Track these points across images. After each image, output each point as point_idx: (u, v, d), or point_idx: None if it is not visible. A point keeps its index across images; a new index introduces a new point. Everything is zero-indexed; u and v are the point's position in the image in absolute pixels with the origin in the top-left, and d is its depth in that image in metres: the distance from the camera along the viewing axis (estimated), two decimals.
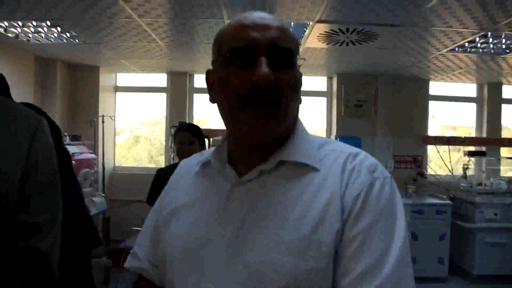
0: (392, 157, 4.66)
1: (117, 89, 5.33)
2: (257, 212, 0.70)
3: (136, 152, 5.85)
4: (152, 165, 5.37)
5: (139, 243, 0.90)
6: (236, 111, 0.72)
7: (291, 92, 0.72)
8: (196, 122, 5.30)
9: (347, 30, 2.92)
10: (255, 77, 0.67)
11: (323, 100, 5.13)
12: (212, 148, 0.87)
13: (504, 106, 5.08)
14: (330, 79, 5.04)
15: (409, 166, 4.79)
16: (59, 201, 0.90)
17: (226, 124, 0.76)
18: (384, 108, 4.69)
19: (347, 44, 3.32)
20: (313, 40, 3.24)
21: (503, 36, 3.02)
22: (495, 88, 5.00)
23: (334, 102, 4.87)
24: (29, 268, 0.80)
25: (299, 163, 0.73)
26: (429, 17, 2.64)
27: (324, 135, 5.06)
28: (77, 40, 3.51)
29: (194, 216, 0.77)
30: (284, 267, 0.65)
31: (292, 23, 2.86)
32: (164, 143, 5.31)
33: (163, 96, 5.22)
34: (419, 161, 4.80)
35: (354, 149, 0.77)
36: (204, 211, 0.76)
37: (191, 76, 5.18)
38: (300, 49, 3.57)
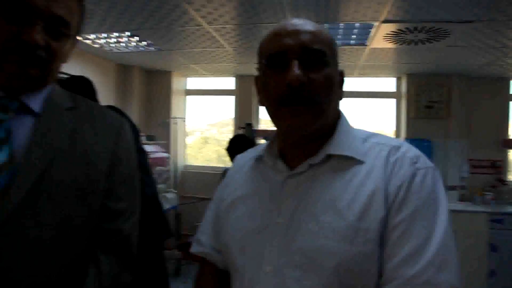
0: (467, 161, 4.39)
1: (187, 92, 5.64)
2: (308, 202, 0.77)
3: (205, 152, 6.14)
4: (221, 165, 5.60)
5: (201, 231, 1.00)
6: (276, 111, 0.80)
7: (325, 90, 0.77)
8: (262, 123, 5.44)
9: (415, 28, 2.83)
10: (288, 79, 0.74)
11: (391, 102, 4.98)
12: (265, 143, 0.95)
13: None
14: (399, 79, 4.88)
15: (487, 171, 4.48)
16: (138, 192, 1.04)
17: (272, 121, 0.84)
18: (457, 109, 4.43)
19: (416, 43, 3.21)
20: (379, 40, 3.19)
21: None
22: None
23: (404, 103, 4.71)
24: (114, 246, 0.94)
25: (345, 156, 0.79)
26: (508, 10, 2.48)
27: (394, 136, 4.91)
28: (152, 48, 3.80)
29: (251, 207, 0.85)
30: (333, 252, 0.71)
31: (357, 24, 2.84)
32: None
33: (231, 99, 5.43)
34: (499, 166, 4.46)
35: (397, 142, 0.81)
36: (259, 202, 0.84)
37: None
38: (366, 51, 3.53)
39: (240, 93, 5.29)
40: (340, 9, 2.59)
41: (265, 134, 4.92)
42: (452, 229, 0.72)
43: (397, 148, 0.79)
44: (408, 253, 0.68)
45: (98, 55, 4.22)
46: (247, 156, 0.99)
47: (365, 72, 4.61)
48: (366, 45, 3.38)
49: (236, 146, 3.11)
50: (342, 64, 4.18)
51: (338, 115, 0.86)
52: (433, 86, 4.47)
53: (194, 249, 0.99)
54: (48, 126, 0.88)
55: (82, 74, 2.23)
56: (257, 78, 0.89)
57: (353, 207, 0.73)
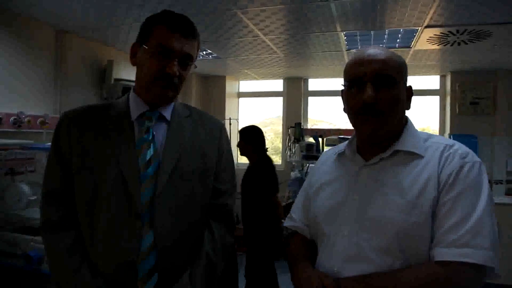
0: None
1: (240, 95, 6.03)
2: (378, 184, 1.05)
3: None
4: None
5: (293, 210, 1.30)
6: (355, 119, 1.11)
7: (391, 105, 1.04)
8: (309, 122, 5.71)
9: (457, 31, 3.00)
10: (364, 98, 1.03)
11: (435, 99, 5.08)
12: (346, 142, 1.25)
13: None
14: (443, 77, 4.98)
15: None
16: (235, 176, 1.38)
17: (353, 126, 1.14)
18: (503, 105, 4.47)
19: (459, 44, 3.36)
20: (423, 43, 3.37)
21: None
22: None
23: (448, 100, 4.81)
24: (222, 216, 1.28)
25: (409, 152, 1.05)
26: None
27: (436, 134, 5.00)
28: (211, 56, 4.19)
29: (334, 188, 1.15)
30: (396, 221, 0.97)
31: (402, 30, 3.05)
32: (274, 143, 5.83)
33: (279, 100, 5.74)
34: None
35: (451, 141, 1.06)
36: (340, 185, 1.14)
37: (305, 81, 5.60)
38: (410, 52, 3.71)
39: (288, 95, 5.59)
40: (386, 18, 2.82)
41: (312, 132, 5.18)
42: (495, 216, 0.94)
43: (451, 146, 1.03)
44: (452, 224, 0.92)
45: None
46: (330, 152, 1.29)
47: (409, 71, 4.74)
48: (410, 47, 3.56)
49: (251, 135, 3.24)
50: None
51: (406, 121, 1.13)
52: (478, 83, 4.54)
53: (288, 223, 1.30)
54: (176, 129, 1.24)
55: None
56: (342, 92, 1.18)
57: (412, 188, 0.97)
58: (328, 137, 4.73)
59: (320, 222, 1.13)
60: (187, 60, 1.19)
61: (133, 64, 1.23)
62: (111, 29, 3.17)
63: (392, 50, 3.34)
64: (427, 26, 2.93)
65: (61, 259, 1.09)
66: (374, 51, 1.08)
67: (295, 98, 5.55)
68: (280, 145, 5.84)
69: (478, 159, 1.01)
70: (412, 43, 3.42)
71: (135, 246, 1.08)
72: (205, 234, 1.23)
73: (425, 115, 5.34)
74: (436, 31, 3.04)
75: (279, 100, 5.78)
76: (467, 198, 0.94)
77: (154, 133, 1.20)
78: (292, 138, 5.02)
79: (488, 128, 4.51)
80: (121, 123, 1.19)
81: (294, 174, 4.76)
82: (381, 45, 3.49)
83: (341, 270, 1.02)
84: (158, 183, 1.13)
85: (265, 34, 3.27)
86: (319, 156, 4.68)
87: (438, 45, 3.42)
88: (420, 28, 2.98)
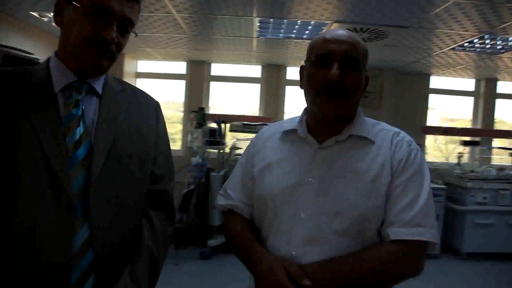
0: None
1: (137, 75, 5.63)
2: (336, 167, 1.05)
3: None
4: None
5: (229, 187, 1.23)
6: (315, 97, 1.07)
7: (353, 88, 1.04)
8: (211, 109, 5.63)
9: (361, 29, 3.22)
10: (329, 75, 1.01)
11: None
12: (289, 120, 1.21)
13: (498, 100, 5.42)
14: None
15: None
16: (172, 160, 1.24)
17: (308, 104, 1.11)
18: (388, 99, 5.02)
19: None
20: None
21: (498, 38, 3.33)
22: (491, 83, 5.33)
23: None
24: (161, 203, 1.14)
25: (362, 137, 1.07)
26: (434, 21, 2.96)
27: None
28: None
29: (286, 169, 1.10)
30: (356, 203, 0.99)
31: (313, 22, 3.16)
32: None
33: (182, 83, 5.53)
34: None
35: (395, 129, 1.12)
36: (293, 165, 1.10)
37: (209, 65, 5.49)
38: None
39: (191, 78, 5.41)
40: (298, 8, 2.88)
41: (215, 118, 5.11)
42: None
43: (398, 133, 1.10)
44: (404, 205, 0.98)
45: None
46: (272, 129, 1.23)
47: None
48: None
49: None
50: (291, 55, 4.48)
51: (356, 106, 1.13)
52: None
53: (224, 202, 1.22)
54: (109, 105, 1.06)
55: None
56: (301, 67, 1.14)
57: (369, 172, 1.02)
58: (233, 122, 4.73)
59: (272, 203, 1.09)
60: (126, 25, 1.01)
61: (58, 24, 1.00)
62: None
63: (301, 41, 3.44)
64: (337, 21, 3.09)
65: None
66: (345, 32, 1.07)
67: (198, 82, 5.40)
68: (180, 130, 5.65)
69: (418, 146, 1.10)
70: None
71: (66, 245, 0.89)
72: (144, 224, 1.08)
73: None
74: (343, 26, 3.22)
75: (181, 83, 5.56)
76: (416, 181, 1.02)
77: (83, 108, 1.01)
78: (194, 123, 4.90)
79: (375, 118, 4.98)
80: (40, 94, 0.97)
81: (195, 160, 4.64)
82: (291, 35, 3.57)
83: (300, 254, 1.01)
84: (93, 167, 0.95)
85: (178, 12, 3.07)
86: (222, 141, 4.72)
87: None
88: (330, 22, 3.13)
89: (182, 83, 5.55)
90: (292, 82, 5.37)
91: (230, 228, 1.18)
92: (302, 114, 1.19)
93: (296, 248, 1.02)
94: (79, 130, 0.97)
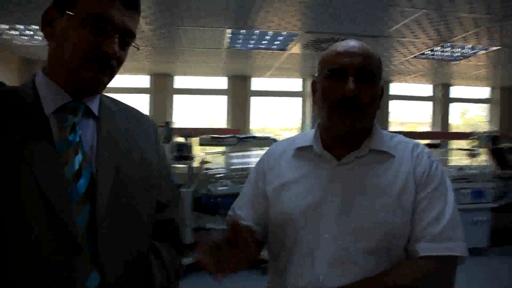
0: None
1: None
2: (358, 184, 1.00)
3: None
4: None
5: (239, 206, 1.15)
6: (331, 112, 1.01)
7: (370, 102, 1.00)
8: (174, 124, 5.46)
9: (327, 40, 3.27)
10: (345, 90, 0.97)
11: (298, 100, 5.50)
12: (301, 135, 1.16)
13: (453, 104, 5.73)
14: (304, 80, 5.41)
15: None
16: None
17: (324, 120, 1.05)
18: None
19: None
20: (297, 47, 3.57)
21: (458, 46, 3.51)
22: (446, 89, 5.62)
23: (308, 102, 5.25)
24: (169, 234, 1.03)
25: (382, 151, 1.03)
26: (392, 33, 3.06)
27: (298, 131, 5.43)
28: None
29: (305, 188, 1.04)
30: (383, 221, 0.95)
31: (285, 32, 3.15)
32: None
33: (146, 97, 5.34)
34: None
35: (414, 141, 1.10)
36: (312, 184, 1.03)
37: (172, 78, 5.34)
38: (285, 55, 3.88)
39: (155, 92, 5.24)
40: (258, 19, 2.86)
41: (181, 132, 4.95)
42: None
43: (417, 145, 1.07)
44: (432, 219, 0.94)
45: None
46: (283, 146, 1.16)
47: (278, 73, 5.03)
48: (285, 50, 3.73)
49: None
50: (257, 66, 4.46)
51: (373, 119, 1.09)
52: None
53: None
54: (108, 128, 0.94)
55: None
56: (313, 82, 1.08)
57: (393, 188, 0.96)
58: (202, 136, 4.61)
59: (292, 225, 1.03)
60: (128, 37, 0.90)
61: (48, 36, 0.88)
62: None
63: (270, 51, 3.43)
64: (308, 32, 3.10)
65: None
66: (357, 44, 1.03)
67: (161, 95, 5.23)
68: None
69: (437, 158, 1.08)
70: (288, 46, 3.57)
71: None
72: (152, 260, 0.97)
73: (286, 114, 5.72)
74: (311, 36, 3.24)
75: (145, 97, 5.36)
76: (440, 194, 0.99)
77: (80, 132, 0.89)
78: (162, 138, 4.72)
79: None
80: (28, 118, 0.84)
81: None
82: (261, 46, 3.55)
83: (327, 278, 0.96)
84: (98, 201, 0.83)
85: (147, 24, 2.94)
86: (190, 156, 4.59)
87: (311, 50, 3.66)
88: (300, 32, 3.13)
89: (145, 97, 5.35)
90: (257, 93, 5.35)
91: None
92: (316, 129, 1.13)
93: (322, 272, 0.96)
94: (78, 159, 0.84)
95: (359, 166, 1.03)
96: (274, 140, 4.40)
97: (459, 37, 3.19)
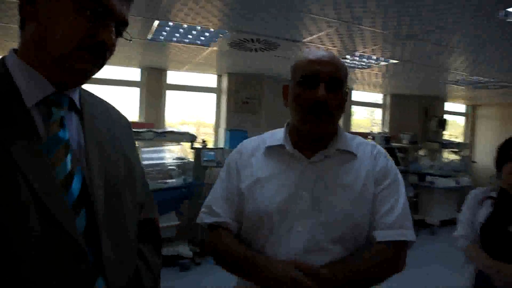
0: None
1: None
2: (327, 180, 1.12)
3: None
4: None
5: (213, 204, 1.18)
6: (304, 116, 1.11)
7: (338, 107, 1.13)
8: None
9: (257, 40, 3.36)
10: (317, 96, 1.07)
11: (212, 96, 5.50)
12: (269, 134, 1.24)
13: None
14: (219, 77, 5.44)
15: None
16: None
17: (296, 122, 1.15)
18: (267, 105, 5.31)
19: (251, 51, 3.77)
20: (224, 45, 3.59)
21: (365, 56, 3.91)
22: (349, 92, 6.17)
23: (224, 98, 5.29)
24: (150, 234, 0.99)
25: (346, 151, 1.17)
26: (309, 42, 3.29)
27: (214, 126, 5.44)
28: None
29: (278, 184, 1.13)
30: (351, 213, 1.09)
31: (212, 29, 3.14)
32: None
33: None
34: None
35: (371, 142, 1.25)
36: (285, 181, 1.13)
37: None
38: (207, 51, 3.87)
39: None
40: (176, 13, 2.81)
41: None
42: None
43: (375, 146, 1.22)
44: (387, 209, 1.10)
45: None
46: (253, 144, 1.23)
47: (195, 69, 4.97)
48: (209, 46, 3.72)
49: None
50: (176, 59, 4.35)
51: (338, 122, 1.22)
52: (249, 84, 5.21)
53: (210, 219, 1.17)
54: (92, 124, 0.88)
55: None
56: (285, 87, 1.18)
57: (357, 183, 1.11)
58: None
59: (267, 219, 1.11)
60: (122, 27, 0.85)
61: (27, 15, 0.78)
62: None
63: (192, 46, 3.40)
64: (236, 31, 3.14)
65: None
66: (327, 53, 1.16)
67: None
68: None
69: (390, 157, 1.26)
70: (212, 43, 3.57)
71: None
72: (139, 263, 0.93)
73: (202, 110, 5.69)
74: (240, 36, 3.30)
75: None
76: (394, 188, 1.16)
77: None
78: None
79: (255, 123, 5.25)
80: (8, 109, 0.74)
81: None
82: (186, 40, 3.49)
83: (302, 261, 1.05)
84: (96, 203, 0.78)
85: None
86: None
87: (238, 49, 3.71)
88: (227, 31, 3.17)
89: None
90: (172, 87, 5.22)
91: (219, 242, 1.15)
92: (285, 129, 1.21)
93: (295, 256, 1.06)
94: (69, 159, 0.77)
95: (327, 165, 1.15)
96: (192, 136, 4.36)
97: (370, 49, 3.56)
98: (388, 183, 1.14)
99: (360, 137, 1.27)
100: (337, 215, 1.08)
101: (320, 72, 1.08)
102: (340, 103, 1.13)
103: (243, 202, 1.15)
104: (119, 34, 0.85)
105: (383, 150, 1.23)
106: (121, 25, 0.84)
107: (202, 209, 1.22)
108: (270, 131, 1.27)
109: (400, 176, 1.19)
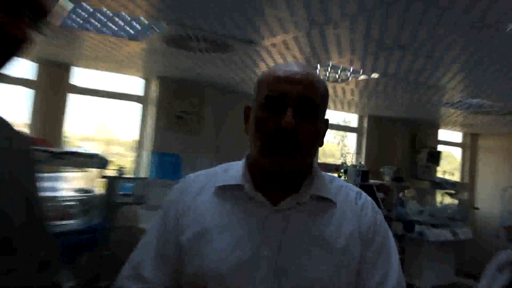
0: None
1: None
2: (296, 236, 1.12)
3: None
4: None
5: (140, 265, 1.16)
6: (265, 147, 1.12)
7: (311, 139, 1.15)
8: None
9: (201, 38, 3.42)
10: (282, 123, 1.08)
11: (135, 106, 5.46)
12: (222, 168, 1.24)
13: None
14: (147, 82, 5.43)
15: None
16: None
17: (255, 154, 1.15)
18: (209, 124, 5.34)
19: (193, 51, 3.82)
20: (154, 41, 3.61)
21: (340, 69, 4.10)
22: None
23: (152, 110, 5.28)
24: None
25: (322, 197, 1.18)
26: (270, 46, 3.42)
27: (134, 147, 5.36)
28: None
29: (232, 238, 1.11)
30: (326, 282, 1.08)
31: (143, 17, 3.16)
32: None
33: None
34: None
35: (354, 188, 1.28)
36: (241, 234, 1.11)
37: None
38: (130, 47, 3.87)
39: None
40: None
41: None
42: None
43: (360, 193, 1.24)
44: (378, 281, 1.11)
45: None
46: (200, 181, 1.22)
47: (109, 67, 4.93)
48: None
49: None
50: (88, 53, 4.28)
51: (313, 159, 1.22)
52: (186, 94, 5.22)
53: (132, 286, 1.13)
54: None
55: None
56: (247, 108, 1.18)
57: (338, 241, 1.10)
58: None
59: (218, 283, 1.08)
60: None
61: None
62: None
63: (112, 38, 3.39)
64: (175, 23, 3.18)
65: None
66: (300, 69, 1.16)
67: None
68: None
69: (377, 207, 1.29)
70: (142, 36, 3.58)
71: None
72: None
73: (122, 124, 5.60)
74: (179, 30, 3.33)
75: None
76: (385, 251, 1.19)
77: None
78: None
79: (191, 146, 5.24)
80: None
81: None
82: (105, 29, 3.47)
83: None
84: None
85: None
86: None
87: (175, 47, 3.75)
88: (163, 22, 3.20)
89: None
90: (79, 90, 5.10)
91: None
92: (244, 163, 1.22)
93: None
94: None
95: (298, 214, 1.15)
96: (104, 160, 4.24)
97: (346, 59, 3.75)
98: (377, 247, 1.17)
99: (339, 179, 1.31)
100: (309, 282, 1.08)
101: (288, 93, 1.10)
102: (314, 133, 1.14)
103: (184, 260, 1.13)
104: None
105: (370, 199, 1.25)
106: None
107: (124, 273, 1.17)
108: (223, 164, 1.26)
109: (390, 233, 1.24)
